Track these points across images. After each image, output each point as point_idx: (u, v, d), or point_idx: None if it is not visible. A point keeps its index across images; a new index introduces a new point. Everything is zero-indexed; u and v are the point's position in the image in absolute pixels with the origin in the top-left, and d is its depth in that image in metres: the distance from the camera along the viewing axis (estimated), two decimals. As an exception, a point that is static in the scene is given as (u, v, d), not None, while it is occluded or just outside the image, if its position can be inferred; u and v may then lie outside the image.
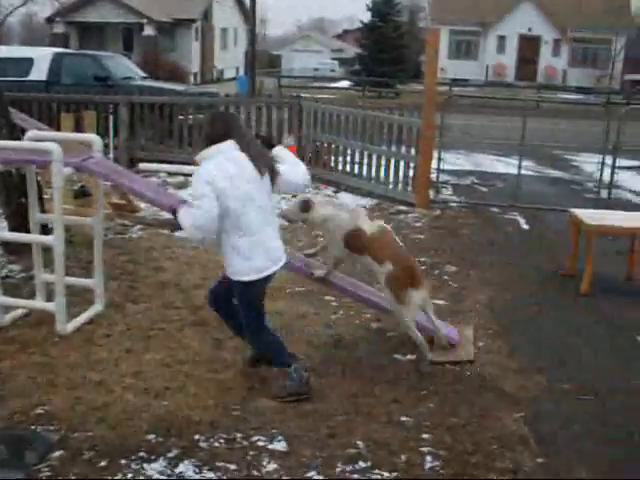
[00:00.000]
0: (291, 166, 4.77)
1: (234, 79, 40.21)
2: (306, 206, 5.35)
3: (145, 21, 40.04)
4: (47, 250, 5.86)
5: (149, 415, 4.44)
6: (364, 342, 5.65)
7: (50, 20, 41.61)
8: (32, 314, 5.87)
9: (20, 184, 6.81)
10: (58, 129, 9.71)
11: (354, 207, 5.99)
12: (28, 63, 15.50)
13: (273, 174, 4.62)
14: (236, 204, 4.39)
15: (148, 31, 40.28)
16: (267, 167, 4.58)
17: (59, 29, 41.29)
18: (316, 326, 5.90)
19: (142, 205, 9.16)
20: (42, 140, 5.70)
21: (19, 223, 6.54)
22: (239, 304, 4.78)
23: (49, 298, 5.92)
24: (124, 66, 16.74)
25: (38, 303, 5.85)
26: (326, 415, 4.53)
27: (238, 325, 4.93)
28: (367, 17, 42.79)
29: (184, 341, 5.50)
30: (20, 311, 5.86)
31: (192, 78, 39.71)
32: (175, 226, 5.60)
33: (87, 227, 6.61)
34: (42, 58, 15.78)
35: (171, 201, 5.12)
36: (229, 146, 4.44)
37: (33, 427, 4.32)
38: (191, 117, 12.67)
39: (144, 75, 16.98)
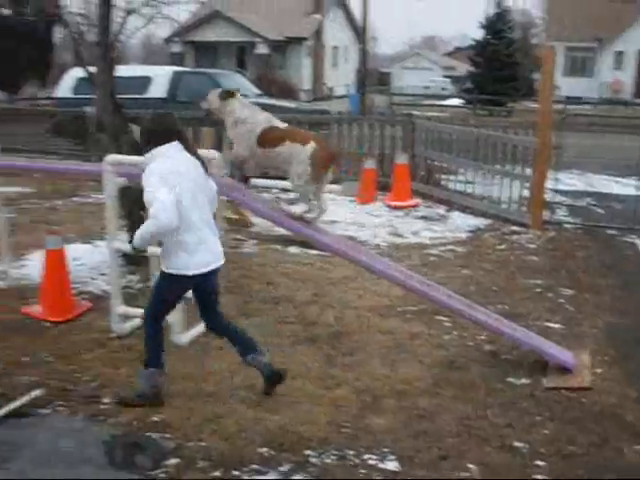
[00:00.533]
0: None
1: (344, 97, 40.46)
2: (226, 95, 5.99)
3: (258, 40, 40.91)
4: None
5: (262, 428, 4.49)
6: (477, 364, 5.56)
7: (168, 40, 42.98)
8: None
9: (140, 198, 7.04)
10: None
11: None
12: (147, 81, 16.06)
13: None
14: (186, 200, 4.54)
15: (261, 49, 41.13)
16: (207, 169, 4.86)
17: (176, 48, 42.66)
18: (428, 346, 5.85)
19: (256, 220, 9.32)
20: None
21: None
22: (155, 291, 4.89)
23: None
24: (239, 83, 17.09)
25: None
26: (438, 436, 4.48)
27: (242, 341, 5.04)
28: (479, 34, 42.36)
29: (296, 356, 5.55)
30: (139, 321, 6.04)
31: (303, 95, 40.20)
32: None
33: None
34: (161, 76, 16.34)
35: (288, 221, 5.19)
36: (176, 146, 4.66)
37: (149, 434, 4.44)
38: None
39: (259, 92, 17.29)
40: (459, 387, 5.15)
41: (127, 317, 5.98)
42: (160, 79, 16.18)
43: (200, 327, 5.91)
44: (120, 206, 6.26)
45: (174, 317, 5.64)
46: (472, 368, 5.48)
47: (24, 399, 4.81)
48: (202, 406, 4.77)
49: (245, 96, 15.58)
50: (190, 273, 4.64)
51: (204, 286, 4.84)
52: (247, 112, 5.96)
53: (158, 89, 15.99)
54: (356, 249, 5.81)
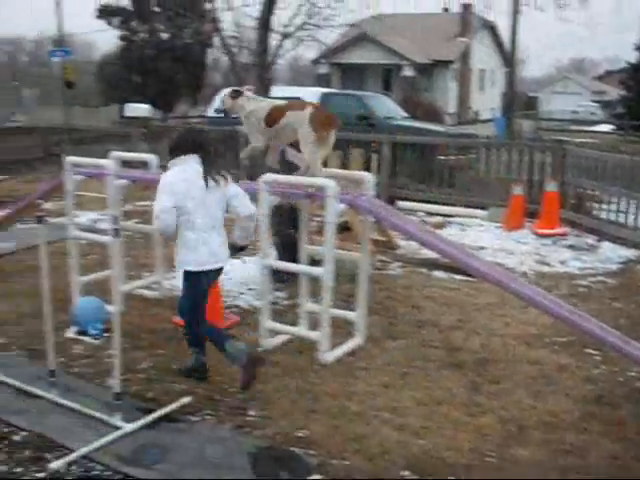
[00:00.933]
0: (242, 198, 5.53)
1: (490, 120, 39.94)
2: (236, 94, 6.51)
3: (405, 62, 41.06)
4: (312, 280, 6.16)
5: (405, 452, 4.47)
6: (628, 401, 5.32)
7: (315, 61, 43.79)
8: (294, 340, 6.15)
9: (290, 216, 7.21)
10: (325, 166, 10.13)
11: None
12: (297, 102, 16.41)
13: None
14: (190, 204, 5.19)
15: (407, 72, 41.25)
16: (218, 181, 5.36)
17: (323, 70, 43.40)
18: (576, 379, 5.66)
19: (401, 243, 9.34)
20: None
21: (289, 253, 6.89)
22: (182, 291, 5.47)
23: (311, 327, 6.19)
24: (386, 106, 17.20)
25: (303, 331, 6.13)
26: (586, 473, 4.32)
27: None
28: (633, 57, 40.81)
29: (441, 381, 5.49)
30: (285, 337, 6.16)
31: (448, 119, 39.97)
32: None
33: (348, 261, 6.85)
34: (310, 97, 16.64)
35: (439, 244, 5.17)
36: (194, 158, 5.30)
37: (294, 449, 4.51)
38: (452, 158, 12.74)
39: (405, 115, 17.32)
40: (608, 424, 4.95)
41: (274, 332, 6.10)
42: (309, 100, 16.48)
43: (346, 346, 5.98)
44: (269, 224, 6.41)
45: (320, 335, 5.72)
46: (622, 405, 5.25)
47: (174, 405, 5.00)
48: (346, 425, 4.80)
49: (391, 118, 15.87)
50: (189, 269, 5.31)
51: (208, 280, 5.47)
52: (253, 104, 6.51)
53: (307, 110, 16.31)
54: (506, 275, 5.71)
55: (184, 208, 5.19)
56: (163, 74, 41.92)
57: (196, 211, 5.23)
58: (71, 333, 6.36)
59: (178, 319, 6.59)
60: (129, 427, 4.68)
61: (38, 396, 5.14)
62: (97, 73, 50.38)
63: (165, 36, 44.32)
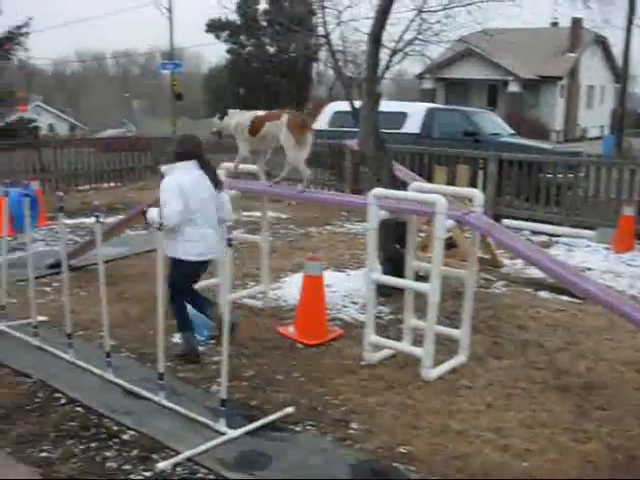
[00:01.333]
0: (229, 206, 6.39)
1: (598, 138, 38.94)
2: (221, 115, 7.33)
3: (511, 78, 40.47)
4: (417, 296, 6.14)
5: (508, 474, 4.40)
6: None
7: (420, 76, 43.66)
8: (397, 356, 6.14)
9: (397, 231, 7.21)
10: (429, 181, 10.10)
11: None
12: (402, 117, 16.40)
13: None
14: (194, 205, 5.89)
15: (513, 87, 40.64)
16: (219, 186, 6.21)
17: (427, 85, 43.23)
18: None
19: (506, 261, 9.21)
20: (425, 192, 6.00)
21: (393, 268, 6.88)
22: (170, 275, 6.01)
23: (414, 342, 6.17)
24: (492, 122, 16.98)
25: (406, 346, 6.11)
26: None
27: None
28: None
29: (546, 404, 5.37)
30: (388, 351, 6.15)
31: (554, 136, 39.16)
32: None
33: (453, 278, 6.79)
34: (415, 112, 16.61)
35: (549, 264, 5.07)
36: (193, 164, 6.03)
37: (395, 464, 4.49)
38: (560, 176, 12.47)
39: (512, 132, 17.07)
40: None
41: (378, 347, 6.10)
42: (415, 115, 16.46)
43: (448, 364, 5.93)
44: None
45: (424, 351, 5.69)
46: None
47: (277, 414, 5.06)
48: (448, 443, 4.75)
49: (497, 135, 15.66)
50: (191, 259, 5.97)
51: (199, 270, 6.18)
52: (237, 117, 7.21)
53: (412, 125, 16.28)
54: (616, 298, 5.55)
55: (188, 208, 5.86)
56: (269, 87, 42.61)
57: (198, 211, 5.95)
58: (178, 338, 6.52)
59: (283, 329, 6.70)
60: (233, 433, 4.76)
61: (145, 398, 5.29)
62: (204, 85, 51.67)
63: (271, 50, 45.06)
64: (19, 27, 26.11)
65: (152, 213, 6.05)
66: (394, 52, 8.46)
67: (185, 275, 6.09)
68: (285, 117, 6.74)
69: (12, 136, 23.70)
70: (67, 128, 58.07)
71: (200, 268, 6.16)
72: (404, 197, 5.99)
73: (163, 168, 6.15)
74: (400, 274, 6.32)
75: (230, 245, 4.79)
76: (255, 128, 7.00)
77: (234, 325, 5.83)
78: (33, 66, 52.13)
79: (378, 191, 5.94)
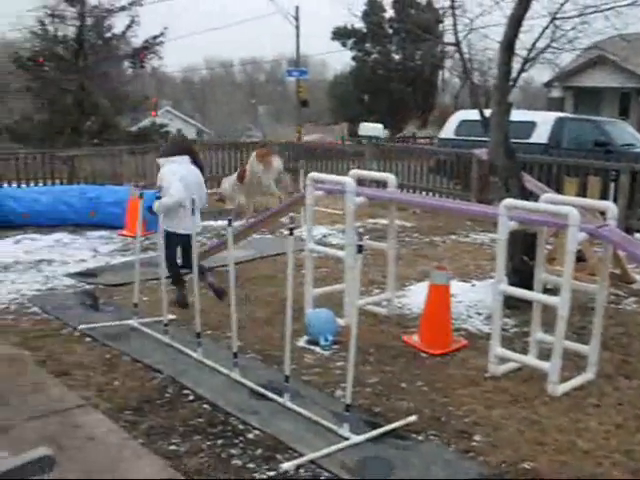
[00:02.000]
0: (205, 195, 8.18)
1: None
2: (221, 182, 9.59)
3: (645, 87, 38.97)
4: (544, 310, 6.01)
5: (640, 498, 4.25)
6: None
7: (548, 85, 42.65)
8: (522, 369, 6.02)
9: (524, 242, 7.09)
10: (558, 192, 9.86)
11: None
12: (530, 126, 16.08)
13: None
14: (186, 191, 7.37)
15: (647, 97, 39.11)
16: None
17: (555, 93, 42.14)
18: None
19: (638, 277, 8.88)
20: (556, 203, 5.86)
21: (519, 279, 6.76)
22: (165, 246, 7.31)
23: (540, 356, 6.04)
24: (625, 132, 16.43)
25: (532, 360, 5.98)
26: None
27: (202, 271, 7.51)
28: None
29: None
30: (513, 364, 6.04)
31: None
32: None
33: (581, 292, 6.60)
34: (544, 122, 16.26)
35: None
36: (185, 159, 7.74)
37: (522, 481, 4.41)
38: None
39: (647, 143, 16.46)
40: None
41: (503, 359, 6.01)
42: (544, 125, 16.12)
43: (575, 380, 5.77)
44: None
45: (551, 366, 5.57)
46: None
47: (400, 422, 5.05)
48: (575, 462, 4.62)
49: (630, 146, 15.11)
50: (179, 232, 7.57)
51: (186, 241, 7.45)
52: (226, 181, 10.21)
53: (541, 134, 15.95)
54: None
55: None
56: (393, 94, 42.63)
57: (188, 196, 7.19)
58: (302, 342, 6.62)
59: (407, 337, 6.69)
60: (356, 439, 4.78)
61: (270, 399, 5.39)
62: (329, 92, 52.16)
63: (397, 57, 45.10)
64: (155, 37, 27.17)
65: (154, 204, 7.45)
66: (526, 60, 8.31)
67: (175, 243, 7.70)
68: (253, 154, 8.68)
69: (145, 140, 24.67)
70: (194, 133, 59.85)
71: (186, 239, 7.43)
72: (535, 208, 5.88)
73: (160, 160, 7.78)
74: (526, 286, 6.19)
75: (360, 251, 4.82)
76: (241, 176, 9.20)
77: (221, 293, 7.64)
78: (164, 73, 53.91)
79: (509, 202, 5.85)
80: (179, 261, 7.97)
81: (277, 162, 8.96)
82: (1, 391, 5.45)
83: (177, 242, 7.72)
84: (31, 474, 2.51)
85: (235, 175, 9.55)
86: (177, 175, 7.44)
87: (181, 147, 7.90)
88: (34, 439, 4.64)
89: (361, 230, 5.42)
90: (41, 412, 5.09)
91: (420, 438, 4.91)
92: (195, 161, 7.84)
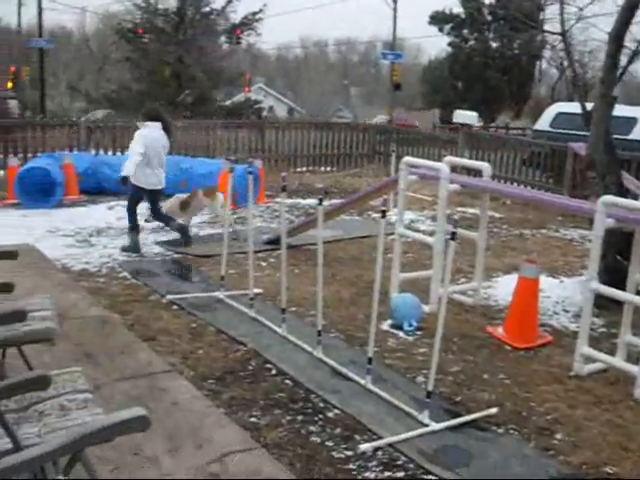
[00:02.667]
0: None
1: None
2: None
3: None
4: (636, 312, 5.86)
5: None
6: None
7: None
8: (608, 371, 5.88)
9: (620, 241, 6.90)
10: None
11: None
12: (631, 122, 15.61)
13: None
14: (151, 152, 8.95)
15: None
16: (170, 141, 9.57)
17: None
18: None
19: None
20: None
21: (610, 279, 6.59)
22: (129, 199, 9.38)
23: (628, 359, 5.89)
24: None
25: (620, 362, 5.83)
26: None
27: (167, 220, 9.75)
28: None
29: None
30: (598, 365, 5.91)
31: None
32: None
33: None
34: (645, 117, 15.77)
35: None
36: (157, 125, 9.14)
37: (601, 483, 4.32)
38: None
39: None
40: None
41: (589, 359, 5.88)
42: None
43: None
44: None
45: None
46: None
47: (481, 413, 5.01)
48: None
49: None
50: (144, 187, 9.13)
51: (153, 195, 9.34)
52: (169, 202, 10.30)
53: (641, 131, 15.48)
54: None
55: (147, 153, 8.90)
56: (488, 83, 41.95)
57: (154, 156, 9.02)
58: (386, 326, 6.62)
59: (492, 329, 6.62)
60: (436, 426, 4.77)
61: (352, 379, 5.41)
62: (422, 77, 51.71)
63: (494, 45, 44.33)
64: (254, 14, 27.40)
65: (123, 168, 8.99)
66: (635, 53, 8.05)
67: (138, 196, 9.27)
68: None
69: (238, 115, 24.96)
70: (285, 111, 60.22)
71: (150, 193, 9.25)
72: (635, 207, 5.71)
73: (138, 124, 9.29)
74: (617, 286, 6.03)
75: (454, 239, 4.78)
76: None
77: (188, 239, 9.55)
78: (259, 49, 54.32)
79: (608, 198, 5.70)
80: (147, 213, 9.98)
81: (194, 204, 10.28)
82: (93, 351, 5.63)
83: (142, 195, 9.28)
84: (125, 432, 2.59)
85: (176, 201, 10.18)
86: (142, 139, 8.93)
87: (154, 115, 9.25)
88: (122, 399, 4.79)
89: (454, 218, 5.33)
90: (129, 374, 5.24)
91: (500, 431, 4.86)
92: (165, 127, 9.25)
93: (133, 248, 9.09)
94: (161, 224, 10.02)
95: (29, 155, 14.65)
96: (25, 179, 11.81)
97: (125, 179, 8.91)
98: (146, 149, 8.83)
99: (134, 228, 9.23)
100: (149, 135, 8.98)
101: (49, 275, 7.70)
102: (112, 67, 44.52)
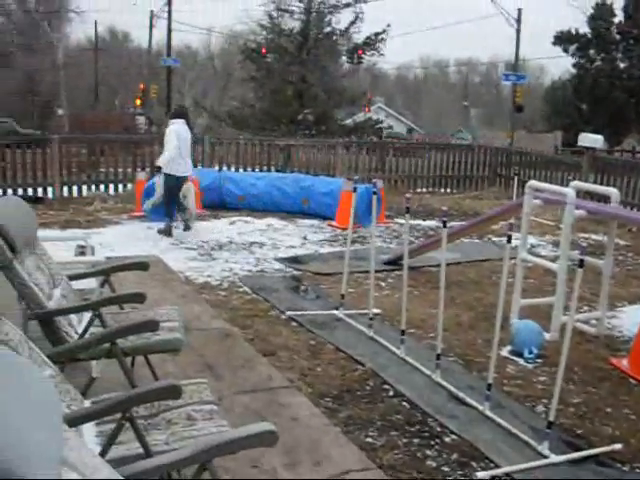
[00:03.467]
0: None
1: None
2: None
3: None
4: None
5: None
6: None
7: None
8: None
9: None
10: None
11: None
12: None
13: None
14: (182, 144, 10.73)
15: None
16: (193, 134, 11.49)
17: None
18: None
19: None
20: None
21: None
22: (168, 189, 11.04)
23: None
24: None
25: None
26: None
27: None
28: None
29: None
30: None
31: None
32: None
33: None
34: None
35: None
36: (181, 121, 10.90)
37: None
38: None
39: None
40: None
41: None
42: None
43: None
44: None
45: None
46: None
47: (604, 449, 4.85)
48: None
49: None
50: (178, 175, 10.80)
51: (180, 182, 10.98)
52: None
53: None
54: None
55: (179, 147, 10.63)
56: (614, 105, 40.70)
57: (183, 147, 10.77)
58: (505, 352, 6.52)
59: (616, 361, 6.41)
60: (556, 458, 4.64)
61: (469, 405, 5.35)
62: (544, 98, 50.71)
63: (622, 65, 43.03)
64: (377, 34, 27.57)
65: (160, 161, 10.95)
66: None
67: (174, 185, 10.86)
68: None
69: (359, 135, 25.14)
70: (405, 130, 60.21)
71: (182, 181, 10.96)
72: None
73: (169, 122, 11.09)
74: None
75: (582, 266, 4.67)
76: None
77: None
78: (379, 69, 54.62)
79: None
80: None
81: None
82: (215, 363, 5.78)
83: (176, 183, 10.84)
84: (253, 446, 2.66)
85: None
86: (174, 133, 10.68)
87: (179, 113, 11.25)
88: (242, 412, 4.90)
89: (582, 245, 5.21)
90: (249, 388, 5.35)
91: (625, 469, 4.68)
92: (188, 123, 11.11)
93: (168, 232, 10.97)
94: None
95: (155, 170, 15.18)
96: (152, 193, 12.27)
97: (159, 169, 10.99)
98: (178, 141, 10.61)
99: (170, 215, 11.10)
100: (178, 130, 10.76)
101: (173, 287, 7.96)
102: (235, 85, 45.80)
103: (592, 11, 42.71)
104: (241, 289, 8.27)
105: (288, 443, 4.50)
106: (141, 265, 5.22)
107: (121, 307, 5.00)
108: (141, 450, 3.04)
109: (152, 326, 3.88)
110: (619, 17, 42.94)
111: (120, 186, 15.46)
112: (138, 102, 43.92)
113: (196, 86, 63.14)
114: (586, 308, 7.91)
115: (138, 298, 4.51)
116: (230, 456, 3.22)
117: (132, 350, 4.33)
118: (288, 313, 7.29)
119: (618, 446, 4.90)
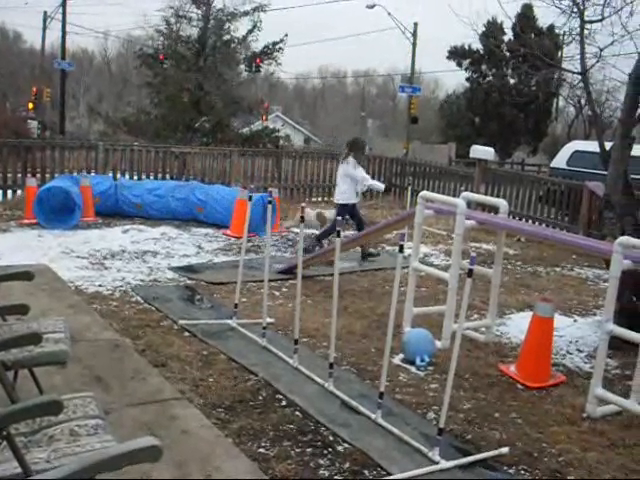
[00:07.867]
0: None
1: None
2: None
3: None
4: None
5: None
6: None
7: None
8: (622, 414, 5.81)
9: (634, 282, 6.86)
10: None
11: None
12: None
13: None
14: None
15: None
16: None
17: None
18: None
19: None
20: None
21: (625, 320, 6.54)
22: (338, 214, 10.63)
23: (642, 402, 5.82)
24: None
25: (634, 406, 5.76)
26: None
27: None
28: None
29: None
30: (612, 407, 5.85)
31: None
32: None
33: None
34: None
35: None
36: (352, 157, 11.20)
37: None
38: None
39: None
40: None
41: (602, 401, 5.82)
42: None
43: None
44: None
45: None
46: None
47: (491, 453, 4.96)
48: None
49: None
50: (352, 202, 10.93)
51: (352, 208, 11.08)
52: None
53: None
54: None
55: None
56: (505, 119, 42.05)
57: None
58: (398, 360, 6.59)
59: (504, 367, 6.57)
60: (446, 464, 4.71)
61: (362, 413, 5.37)
62: (439, 111, 51.86)
63: (512, 81, 44.44)
64: (275, 43, 27.65)
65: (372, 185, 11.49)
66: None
67: (346, 211, 10.85)
68: None
69: (256, 143, 25.10)
70: (302, 140, 60.47)
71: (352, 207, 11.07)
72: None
73: (349, 159, 10.85)
74: (632, 327, 5.98)
75: (470, 276, 4.76)
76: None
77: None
78: (277, 79, 54.68)
79: (625, 239, 5.67)
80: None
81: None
82: (104, 375, 5.62)
83: (348, 210, 10.96)
84: (137, 462, 2.58)
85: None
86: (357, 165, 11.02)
87: (359, 145, 11.40)
88: (131, 425, 4.77)
89: (473, 255, 5.32)
90: (139, 400, 5.22)
91: (511, 471, 4.80)
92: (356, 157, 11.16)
93: (310, 247, 10.84)
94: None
95: (47, 175, 14.72)
96: (43, 199, 11.88)
97: None
98: None
99: (322, 238, 11.39)
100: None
101: (63, 297, 7.70)
102: (131, 91, 45.03)
103: (483, 28, 43.95)
104: (133, 299, 8.09)
105: (179, 456, 4.41)
106: (25, 275, 5.02)
107: (4, 318, 4.80)
108: (19, 470, 2.91)
109: (34, 339, 3.73)
110: (509, 35, 44.38)
111: (9, 192, 14.89)
112: (31, 106, 42.59)
113: (92, 91, 61.79)
114: (476, 316, 8.09)
115: (21, 309, 4.34)
116: (118, 471, 3.13)
117: (14, 363, 4.15)
118: (181, 323, 7.17)
119: (505, 450, 5.02)
